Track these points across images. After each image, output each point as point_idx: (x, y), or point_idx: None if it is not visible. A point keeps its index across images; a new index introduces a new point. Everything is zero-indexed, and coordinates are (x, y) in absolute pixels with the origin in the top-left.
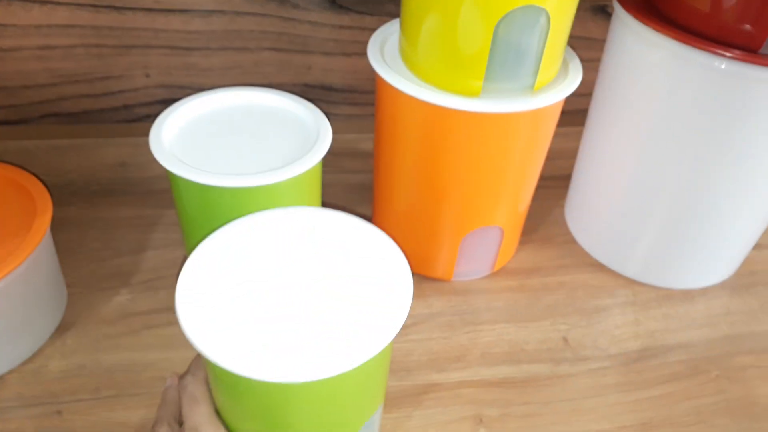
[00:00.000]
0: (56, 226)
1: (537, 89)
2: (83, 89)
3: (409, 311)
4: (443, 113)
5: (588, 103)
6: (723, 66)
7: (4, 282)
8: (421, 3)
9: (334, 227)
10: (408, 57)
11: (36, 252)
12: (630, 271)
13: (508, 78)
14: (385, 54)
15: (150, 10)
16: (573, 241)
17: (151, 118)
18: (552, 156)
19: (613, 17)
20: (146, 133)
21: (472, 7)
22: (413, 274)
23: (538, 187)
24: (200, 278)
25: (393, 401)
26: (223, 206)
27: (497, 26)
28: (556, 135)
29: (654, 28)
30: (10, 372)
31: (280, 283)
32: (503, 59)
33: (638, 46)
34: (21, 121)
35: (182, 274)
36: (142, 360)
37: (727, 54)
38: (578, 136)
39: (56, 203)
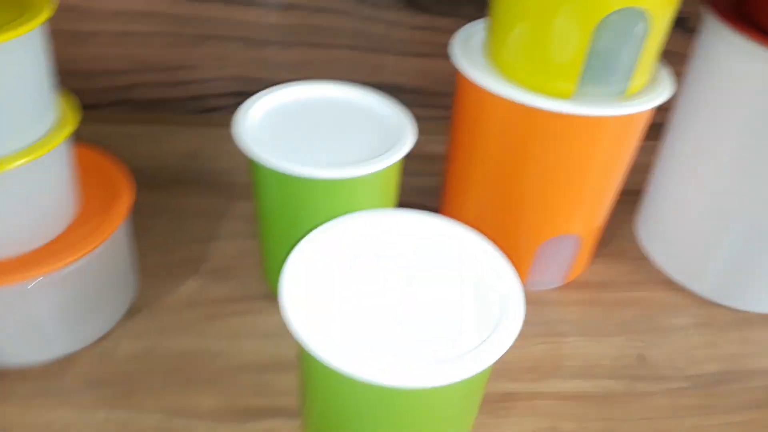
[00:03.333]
0: None
1: (629, 95)
2: (158, 77)
3: None
4: (531, 114)
5: (664, 117)
6: None
7: (83, 261)
8: (515, 6)
9: (437, 232)
10: (496, 57)
11: (116, 233)
12: (706, 291)
13: (602, 82)
14: (468, 54)
15: (228, 1)
16: (645, 258)
17: (223, 109)
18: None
19: (703, 28)
20: (218, 124)
21: (570, 11)
22: None
23: None
24: (301, 276)
25: None
26: (304, 197)
27: (595, 29)
28: None
29: (753, 39)
30: (81, 351)
31: (384, 286)
32: (599, 63)
33: (732, 58)
34: (95, 105)
35: (285, 269)
36: (213, 348)
37: None
38: (651, 150)
39: None
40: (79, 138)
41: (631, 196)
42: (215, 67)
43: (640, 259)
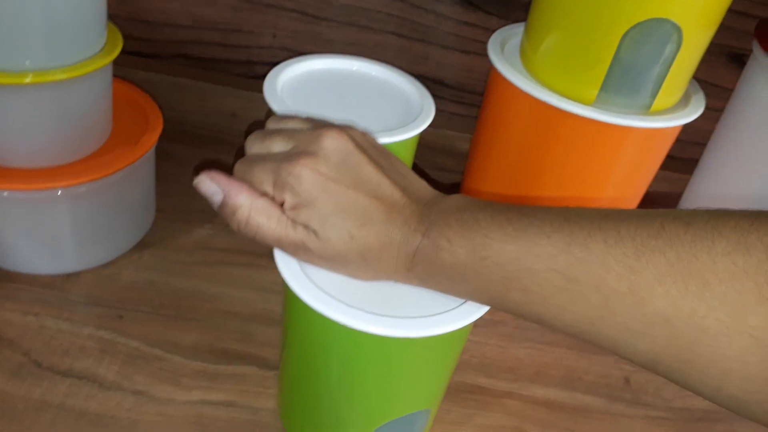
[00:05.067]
0: (160, 156)
1: (653, 111)
2: (216, 37)
3: None
4: (552, 113)
5: (700, 153)
6: None
7: (103, 182)
8: (550, 5)
9: None
10: (528, 57)
11: (137, 164)
12: None
13: (625, 93)
14: (504, 53)
15: None
16: None
17: None
18: (650, 200)
19: (750, 62)
20: (261, 90)
21: (600, 15)
22: None
23: None
24: None
25: None
26: None
27: (623, 37)
28: (660, 179)
29: None
30: (87, 271)
31: None
32: (623, 73)
33: None
34: (153, 55)
35: None
36: (207, 291)
37: None
38: (683, 183)
39: (167, 137)
40: (132, 81)
41: None
42: (268, 36)
43: None
